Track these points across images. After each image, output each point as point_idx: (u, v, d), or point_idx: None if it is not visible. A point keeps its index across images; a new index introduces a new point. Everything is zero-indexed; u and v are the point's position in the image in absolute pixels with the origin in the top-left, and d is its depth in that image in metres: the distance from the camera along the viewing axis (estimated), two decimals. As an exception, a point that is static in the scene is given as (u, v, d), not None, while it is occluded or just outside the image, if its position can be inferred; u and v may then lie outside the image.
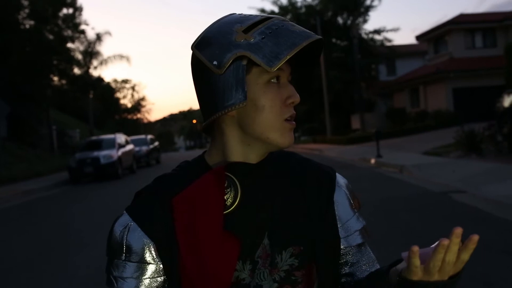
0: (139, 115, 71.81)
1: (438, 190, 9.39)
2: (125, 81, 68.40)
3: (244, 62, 0.87)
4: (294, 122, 0.93)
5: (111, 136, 19.55)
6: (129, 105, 69.84)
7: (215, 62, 0.88)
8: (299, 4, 33.86)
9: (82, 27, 33.74)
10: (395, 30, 36.24)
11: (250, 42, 0.86)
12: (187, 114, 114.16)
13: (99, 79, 48.72)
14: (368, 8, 33.45)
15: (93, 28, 77.48)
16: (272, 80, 0.90)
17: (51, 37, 28.28)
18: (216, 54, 0.88)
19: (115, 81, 66.37)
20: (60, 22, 31.17)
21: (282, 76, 0.91)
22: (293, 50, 0.85)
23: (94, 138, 20.93)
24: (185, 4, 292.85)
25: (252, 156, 0.94)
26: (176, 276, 0.90)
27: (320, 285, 0.95)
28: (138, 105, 70.90)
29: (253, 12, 38.29)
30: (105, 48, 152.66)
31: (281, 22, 0.90)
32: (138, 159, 21.78)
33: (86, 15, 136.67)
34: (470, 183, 9.52)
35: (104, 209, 10.79)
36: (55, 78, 31.58)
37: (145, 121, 75.12)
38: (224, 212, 0.91)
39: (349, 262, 1.00)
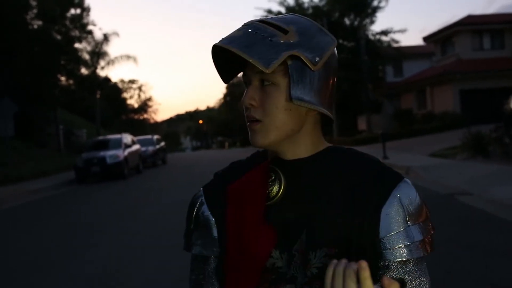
0: (145, 115, 71.99)
1: (444, 192, 9.36)
2: (132, 81, 68.60)
3: None
4: (253, 123, 0.97)
5: (117, 136, 19.62)
6: (136, 105, 70.06)
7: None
8: (306, 5, 33.83)
9: (90, 27, 33.95)
10: (402, 31, 36.12)
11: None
12: (193, 115, 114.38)
13: (106, 79, 48.96)
14: (375, 9, 33.35)
15: (100, 29, 78.16)
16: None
17: (58, 37, 28.45)
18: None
19: (122, 81, 66.62)
20: (68, 22, 31.34)
21: (252, 80, 0.97)
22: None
23: (100, 138, 21.01)
24: (192, 4, 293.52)
25: (300, 151, 0.99)
26: (223, 250, 1.01)
27: None
28: (144, 105, 71.09)
29: (260, 13, 38.25)
30: (112, 49, 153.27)
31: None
32: (144, 159, 21.83)
33: (93, 15, 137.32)
34: (476, 185, 9.47)
35: (110, 209, 10.83)
36: (63, 78, 31.77)
37: (152, 121, 75.27)
38: (267, 203, 0.98)
39: (388, 274, 0.95)
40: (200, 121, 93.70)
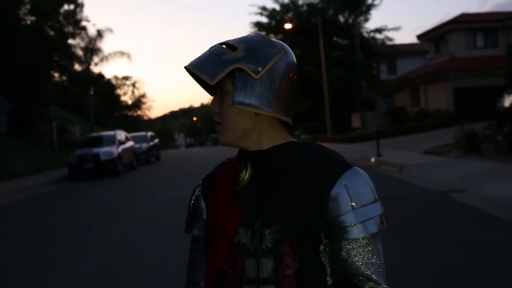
0: (139, 112, 71.75)
1: (437, 189, 9.41)
2: (125, 78, 68.34)
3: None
4: (217, 125, 1.20)
5: (111, 132, 19.55)
6: (130, 102, 69.80)
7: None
8: (300, 2, 33.81)
9: (83, 23, 33.73)
10: (396, 29, 36.25)
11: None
12: (187, 111, 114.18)
13: (100, 76, 48.73)
14: (370, 7, 33.38)
15: (94, 25, 77.35)
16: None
17: (52, 33, 28.28)
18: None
19: (116, 77, 66.35)
20: (61, 18, 31.16)
21: (216, 91, 1.19)
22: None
23: (94, 134, 20.90)
24: (187, 1, 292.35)
25: (263, 144, 1.18)
26: (205, 232, 1.21)
27: (302, 264, 1.10)
28: (138, 102, 70.84)
29: (255, 10, 38.05)
30: (106, 45, 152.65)
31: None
32: (138, 156, 21.76)
33: (87, 11, 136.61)
34: (469, 183, 9.52)
35: (105, 206, 10.80)
36: (56, 75, 31.60)
37: (146, 118, 75.06)
38: (237, 188, 1.18)
39: (341, 255, 1.12)
40: (194, 118, 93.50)
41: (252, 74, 1.13)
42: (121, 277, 5.30)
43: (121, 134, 19.43)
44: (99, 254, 6.35)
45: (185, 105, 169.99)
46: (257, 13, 33.89)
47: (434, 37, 30.77)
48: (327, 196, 1.11)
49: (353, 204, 1.11)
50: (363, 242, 1.12)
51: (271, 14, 33.74)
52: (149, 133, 25.89)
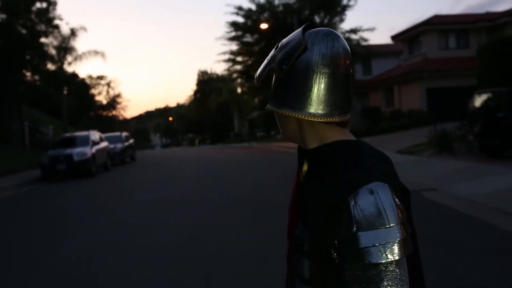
0: (114, 112, 70.84)
1: (410, 188, 9.31)
2: (100, 78, 67.41)
3: None
4: None
5: (85, 133, 19.24)
6: (105, 102, 68.88)
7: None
8: (276, 2, 33.88)
9: (56, 21, 33.12)
10: (371, 29, 36.38)
11: None
12: (163, 111, 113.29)
13: (74, 75, 47.91)
14: (345, 8, 33.64)
15: (67, 23, 75.86)
16: None
17: (24, 31, 27.70)
18: None
19: (90, 77, 65.39)
20: (33, 16, 30.55)
21: None
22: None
23: (67, 135, 20.52)
24: (161, 1, 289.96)
25: (307, 143, 1.16)
26: None
27: (324, 272, 1.06)
28: (113, 102, 69.94)
29: (231, 9, 38.00)
30: (80, 44, 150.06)
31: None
32: (112, 156, 21.48)
33: (60, 10, 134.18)
34: (441, 182, 9.69)
35: (75, 207, 10.63)
36: (28, 74, 30.92)
37: (121, 118, 74.14)
38: (300, 180, 1.18)
39: (343, 276, 1.04)
40: (170, 118, 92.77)
41: (277, 73, 1.12)
42: (88, 279, 5.22)
43: (95, 135, 19.15)
44: (68, 255, 6.24)
45: (161, 105, 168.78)
46: (233, 13, 33.85)
47: (407, 38, 31.22)
48: (335, 214, 1.03)
49: (356, 227, 1.00)
50: (358, 269, 1.01)
51: (247, 14, 33.72)
52: (124, 134, 25.58)
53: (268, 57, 1.16)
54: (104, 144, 19.71)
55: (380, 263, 0.99)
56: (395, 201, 1.03)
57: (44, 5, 33.03)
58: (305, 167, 1.16)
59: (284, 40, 1.15)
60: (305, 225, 1.12)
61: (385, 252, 0.99)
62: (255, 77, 1.17)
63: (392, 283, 1.00)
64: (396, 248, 0.99)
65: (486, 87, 14.01)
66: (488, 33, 26.80)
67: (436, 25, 29.04)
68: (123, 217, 8.93)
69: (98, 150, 18.20)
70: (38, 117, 33.04)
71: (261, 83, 1.18)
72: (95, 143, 18.38)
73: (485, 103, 12.60)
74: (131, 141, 25.89)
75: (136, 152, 27.26)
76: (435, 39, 28.97)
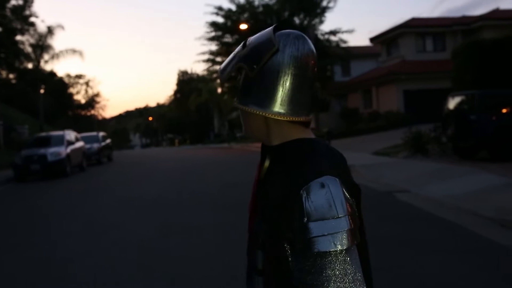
0: (93, 112, 70.08)
1: (383, 189, 9.60)
2: (79, 76, 66.67)
3: None
4: None
5: (60, 132, 18.95)
6: (83, 101, 68.11)
7: None
8: (256, 2, 33.89)
9: (32, 19, 32.64)
10: (350, 31, 36.92)
11: None
12: (143, 111, 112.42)
13: (52, 74, 47.23)
14: (325, 9, 33.85)
15: (43, 21, 74.05)
16: None
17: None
18: None
19: (69, 76, 64.60)
20: (8, 13, 30.03)
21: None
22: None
23: (42, 134, 20.18)
24: (141, 0, 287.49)
25: (271, 141, 1.20)
26: None
27: (275, 263, 1.10)
28: (92, 101, 69.21)
29: (211, 10, 37.94)
30: (58, 43, 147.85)
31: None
32: (88, 156, 21.20)
33: (37, 7, 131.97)
34: (414, 183, 9.79)
35: (45, 208, 10.45)
36: (3, 72, 30.38)
37: (100, 117, 73.34)
38: (259, 178, 1.22)
39: (292, 264, 1.08)
40: (150, 118, 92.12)
41: (248, 72, 1.14)
42: (61, 277, 5.12)
43: (70, 134, 18.87)
44: (39, 256, 6.12)
45: (141, 104, 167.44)
46: (213, 13, 33.75)
47: (386, 41, 31.53)
48: (289, 205, 1.07)
49: (307, 218, 1.04)
50: (308, 259, 1.04)
51: (227, 14, 33.67)
52: (101, 133, 25.28)
53: (234, 54, 1.17)
54: (79, 144, 19.44)
55: (330, 252, 1.02)
56: (344, 194, 1.07)
57: (20, 2, 32.51)
58: (266, 163, 1.19)
59: (252, 39, 1.17)
60: (261, 219, 1.16)
61: (333, 241, 1.02)
62: (219, 71, 1.18)
63: (342, 271, 1.02)
64: (344, 238, 1.03)
65: (460, 90, 14.24)
66: (464, 37, 27.21)
67: (414, 27, 29.40)
68: (91, 218, 8.81)
69: (73, 150, 17.94)
70: (13, 116, 32.43)
71: (226, 79, 1.20)
72: (70, 143, 18.11)
73: (458, 106, 12.79)
74: (108, 141, 25.61)
75: (113, 152, 26.95)
76: (412, 42, 29.32)
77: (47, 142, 17.66)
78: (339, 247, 1.02)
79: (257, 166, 1.26)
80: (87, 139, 22.40)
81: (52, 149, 16.82)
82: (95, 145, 22.62)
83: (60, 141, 17.59)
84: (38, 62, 34.79)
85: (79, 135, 20.62)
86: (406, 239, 5.89)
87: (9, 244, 7.14)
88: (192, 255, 5.78)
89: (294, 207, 1.06)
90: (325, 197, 1.05)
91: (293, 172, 1.10)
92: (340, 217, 1.04)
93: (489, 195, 7.87)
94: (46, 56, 34.76)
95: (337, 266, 1.02)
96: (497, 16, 28.47)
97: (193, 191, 11.30)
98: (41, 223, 8.67)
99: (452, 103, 13.06)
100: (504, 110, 12.34)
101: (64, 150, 17.02)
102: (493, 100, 12.28)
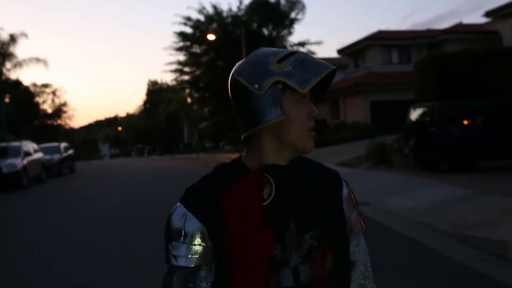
0: (60, 121, 68.53)
1: (344, 202, 9.46)
2: (45, 86, 65.14)
3: (280, 86, 1.12)
4: (314, 132, 1.21)
5: (16, 143, 18.29)
6: (50, 111, 66.55)
7: (256, 86, 1.13)
8: (225, 14, 33.83)
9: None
10: (318, 43, 37.18)
11: (284, 70, 1.13)
12: (112, 121, 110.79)
13: (17, 83, 45.98)
14: (293, 21, 34.07)
15: (1, 28, 71.52)
16: (300, 99, 1.16)
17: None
18: (257, 79, 1.14)
19: (35, 85, 63.06)
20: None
21: (305, 96, 1.16)
22: (319, 77, 1.13)
23: (-2, 145, 19.49)
24: (109, 9, 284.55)
25: (282, 159, 1.19)
26: (225, 255, 1.13)
27: (334, 266, 1.18)
28: (59, 111, 67.69)
29: (179, 19, 37.70)
30: (22, 51, 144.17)
31: (304, 55, 1.17)
32: (48, 168, 20.51)
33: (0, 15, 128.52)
34: (374, 195, 9.69)
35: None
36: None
37: (67, 127, 71.76)
38: (263, 204, 1.15)
39: (352, 248, 1.27)
40: (119, 128, 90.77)
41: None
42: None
43: (27, 145, 18.22)
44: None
45: (111, 114, 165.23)
46: (181, 23, 33.52)
47: (353, 52, 31.82)
48: (341, 199, 1.24)
49: (355, 203, 1.27)
50: (360, 234, 1.28)
51: (196, 24, 33.49)
52: (63, 144, 24.56)
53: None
54: (38, 155, 18.78)
55: (362, 232, 1.29)
56: None
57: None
58: (273, 185, 1.17)
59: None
60: (276, 240, 1.14)
61: (362, 223, 1.28)
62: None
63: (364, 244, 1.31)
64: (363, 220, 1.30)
65: (422, 101, 14.33)
66: (428, 49, 27.63)
67: (380, 40, 29.74)
68: (37, 233, 8.38)
69: (30, 162, 17.30)
70: (-28, 126, 31.36)
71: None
72: (27, 154, 17.47)
73: (419, 117, 12.84)
74: (70, 151, 24.90)
75: (76, 164, 26.23)
76: (378, 54, 29.64)
77: (3, 153, 16.98)
78: (364, 226, 1.29)
79: (246, 197, 1.15)
80: (48, 149, 21.71)
81: (8, 161, 16.16)
82: (56, 156, 21.94)
83: (17, 152, 16.94)
84: (0, 70, 33.80)
85: (37, 146, 19.93)
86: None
87: None
88: (150, 269, 5.48)
89: (347, 199, 1.24)
90: (351, 188, 1.30)
91: (326, 173, 1.26)
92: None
93: (447, 208, 7.81)
94: (8, 65, 33.81)
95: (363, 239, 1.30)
96: (459, 30, 29.07)
97: (153, 204, 10.94)
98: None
99: (414, 114, 13.11)
100: (465, 122, 12.46)
101: (20, 162, 16.39)
102: (453, 112, 12.37)
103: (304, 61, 1.15)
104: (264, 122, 1.13)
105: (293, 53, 1.17)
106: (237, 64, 1.21)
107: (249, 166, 1.20)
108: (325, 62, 1.17)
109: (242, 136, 1.22)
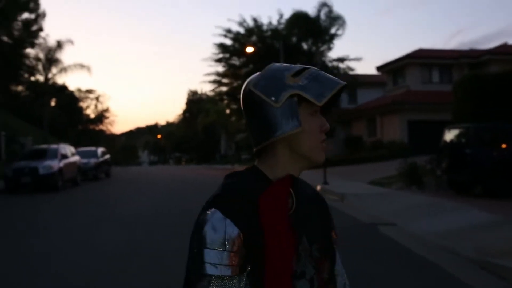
0: (101, 127, 70.40)
1: (369, 221, 9.28)
2: (89, 91, 67.18)
3: (296, 98, 1.16)
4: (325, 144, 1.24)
5: (54, 146, 18.88)
6: (93, 116, 68.48)
7: (273, 98, 1.17)
8: (265, 27, 34.03)
9: (42, 33, 33.10)
10: (357, 59, 36.65)
11: (299, 84, 1.17)
12: (152, 129, 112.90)
13: (63, 87, 47.57)
14: (333, 36, 33.89)
15: (47, 35, 73.84)
16: (313, 113, 1.20)
17: (8, 41, 27.56)
18: (273, 92, 1.17)
19: (79, 90, 65.11)
20: (20, 26, 30.45)
21: (318, 109, 1.20)
22: (333, 91, 1.17)
23: (36, 147, 20.15)
24: (153, 18, 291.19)
25: (295, 171, 1.22)
26: (261, 259, 1.12)
27: (329, 276, 1.25)
28: (101, 116, 69.57)
29: (219, 31, 38.16)
30: (67, 57, 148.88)
31: (317, 71, 1.21)
32: (84, 171, 21.07)
33: (49, 22, 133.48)
34: (401, 216, 9.46)
35: (21, 221, 10.24)
36: (12, 84, 30.63)
37: (108, 132, 73.65)
38: (289, 213, 1.18)
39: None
40: (159, 136, 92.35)
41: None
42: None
43: (65, 148, 18.78)
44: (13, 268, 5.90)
45: (151, 122, 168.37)
46: (221, 35, 33.94)
47: (392, 70, 31.39)
48: (329, 212, 1.33)
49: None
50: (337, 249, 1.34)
51: (236, 37, 33.83)
52: (100, 149, 25.18)
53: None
54: (74, 158, 19.33)
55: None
56: None
57: (33, 16, 33.01)
58: (293, 196, 1.20)
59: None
60: (324, 235, 1.26)
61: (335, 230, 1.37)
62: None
63: None
64: None
65: (460, 122, 13.95)
66: (471, 70, 26.96)
67: (420, 58, 29.24)
68: (68, 233, 8.59)
69: (66, 164, 17.82)
70: (17, 127, 32.53)
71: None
72: (64, 156, 18.01)
73: (453, 139, 12.49)
74: (107, 156, 25.49)
75: (111, 169, 26.81)
76: (418, 72, 29.12)
77: (42, 155, 17.58)
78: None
79: (280, 202, 1.17)
80: (85, 153, 22.31)
81: (45, 163, 16.71)
82: (93, 160, 22.50)
83: (54, 154, 17.49)
84: (46, 75, 35.08)
85: (74, 150, 20.51)
86: (374, 275, 5.58)
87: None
88: (167, 277, 5.51)
89: (330, 213, 1.33)
90: None
91: (312, 189, 1.33)
92: None
93: (474, 233, 7.53)
94: (54, 70, 35.06)
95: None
96: (504, 51, 28.26)
97: (170, 211, 11.04)
98: (13, 242, 8.47)
99: (449, 135, 12.77)
100: (503, 146, 12.00)
101: (56, 164, 16.90)
102: (489, 134, 11.96)
103: (317, 76, 1.19)
104: (280, 133, 1.16)
105: (306, 68, 1.21)
106: (251, 77, 1.24)
107: (270, 177, 1.21)
108: (336, 78, 1.21)
109: (254, 149, 1.24)
